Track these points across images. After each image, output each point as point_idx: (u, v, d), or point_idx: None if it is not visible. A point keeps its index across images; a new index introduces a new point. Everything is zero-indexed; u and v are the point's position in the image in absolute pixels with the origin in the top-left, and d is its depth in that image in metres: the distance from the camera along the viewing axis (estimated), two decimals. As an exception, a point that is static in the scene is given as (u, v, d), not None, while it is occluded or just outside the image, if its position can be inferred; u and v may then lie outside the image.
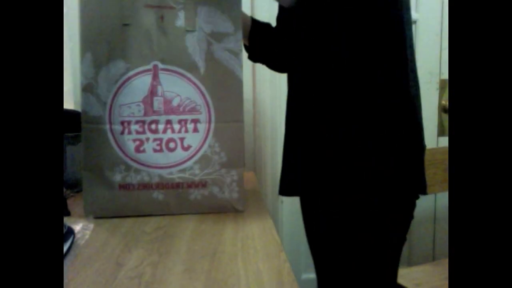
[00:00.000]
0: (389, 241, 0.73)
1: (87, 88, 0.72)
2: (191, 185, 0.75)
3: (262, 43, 0.89)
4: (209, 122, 0.75)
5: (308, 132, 0.72)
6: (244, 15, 0.90)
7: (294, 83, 0.79)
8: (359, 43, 0.67)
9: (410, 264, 1.51)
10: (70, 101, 1.16)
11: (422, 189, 0.72)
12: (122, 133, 0.73)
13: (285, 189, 0.79)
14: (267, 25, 0.91)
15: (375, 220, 0.69)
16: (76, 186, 0.91)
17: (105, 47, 0.72)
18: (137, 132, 0.73)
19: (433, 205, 1.56)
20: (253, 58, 0.93)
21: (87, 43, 0.72)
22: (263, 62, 0.94)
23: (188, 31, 0.73)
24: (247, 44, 0.90)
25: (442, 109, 1.51)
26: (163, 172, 0.75)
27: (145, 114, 0.73)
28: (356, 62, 0.68)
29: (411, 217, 0.74)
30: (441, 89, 1.50)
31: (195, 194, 0.76)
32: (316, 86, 0.72)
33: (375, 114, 0.67)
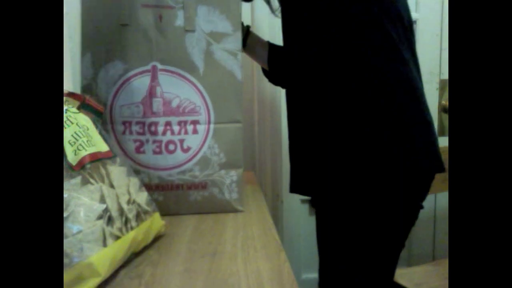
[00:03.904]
0: (394, 239, 0.73)
1: (87, 89, 0.72)
2: (191, 186, 0.75)
3: (281, 66, 0.87)
4: (209, 123, 0.74)
5: (314, 132, 0.73)
6: (261, 40, 0.89)
7: (297, 89, 0.79)
8: (361, 43, 0.67)
9: (410, 264, 1.51)
10: (70, 101, 1.16)
11: (439, 168, 0.72)
12: (124, 133, 0.73)
13: (295, 187, 0.79)
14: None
15: (382, 217, 0.70)
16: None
17: (104, 48, 0.71)
18: (138, 133, 0.73)
19: (433, 205, 1.56)
20: (274, 81, 0.91)
21: (88, 43, 0.72)
22: (284, 86, 0.92)
23: (187, 31, 0.72)
24: (266, 69, 0.89)
25: (442, 109, 1.51)
26: (163, 174, 0.74)
27: (144, 116, 0.73)
28: (358, 61, 0.68)
29: (417, 211, 0.74)
30: (441, 89, 1.50)
31: (195, 195, 0.76)
32: (318, 88, 0.72)
33: (380, 113, 0.67)
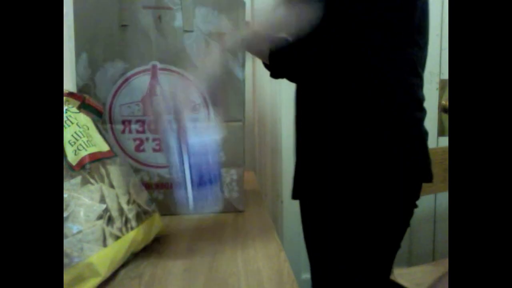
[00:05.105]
0: (395, 238, 0.74)
1: (84, 90, 0.72)
2: (191, 185, 0.75)
3: (283, 59, 0.87)
4: (208, 121, 0.74)
5: (316, 133, 0.73)
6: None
7: (302, 87, 0.79)
8: (361, 43, 0.67)
9: (410, 264, 1.51)
10: (70, 101, 1.15)
11: (428, 178, 0.72)
12: (123, 132, 0.73)
13: (299, 193, 0.80)
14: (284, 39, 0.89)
15: (383, 216, 0.70)
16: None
17: (102, 48, 0.72)
18: (137, 132, 0.73)
19: (433, 205, 1.56)
20: (275, 75, 0.91)
21: (83, 44, 0.72)
22: (286, 77, 0.92)
23: (186, 31, 0.73)
24: (267, 63, 0.88)
25: (442, 109, 1.51)
26: (163, 172, 0.75)
27: (144, 114, 0.73)
28: (358, 61, 0.68)
29: (411, 213, 0.75)
30: (441, 89, 1.50)
31: (195, 194, 0.76)
32: (318, 88, 0.72)
33: (380, 113, 0.67)
